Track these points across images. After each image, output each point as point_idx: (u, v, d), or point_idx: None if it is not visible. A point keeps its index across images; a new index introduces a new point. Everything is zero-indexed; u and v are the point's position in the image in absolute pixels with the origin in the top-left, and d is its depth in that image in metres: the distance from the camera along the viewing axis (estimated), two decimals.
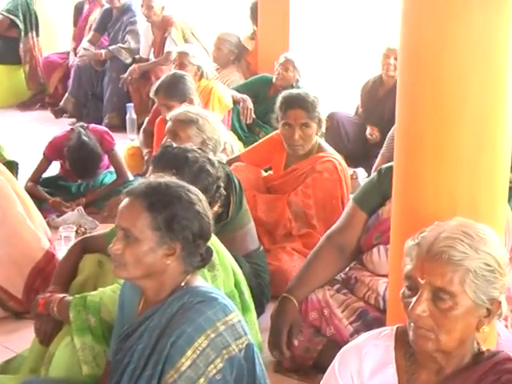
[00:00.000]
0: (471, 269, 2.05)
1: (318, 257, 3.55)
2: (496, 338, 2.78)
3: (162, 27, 7.89)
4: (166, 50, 7.79)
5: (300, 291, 3.50)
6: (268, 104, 6.24)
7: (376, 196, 3.48)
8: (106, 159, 5.68)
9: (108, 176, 5.74)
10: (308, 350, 3.48)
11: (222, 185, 3.29)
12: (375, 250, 3.47)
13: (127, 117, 7.35)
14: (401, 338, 2.23)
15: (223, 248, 3.18)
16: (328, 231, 3.63)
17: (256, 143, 5.14)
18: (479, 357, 2.17)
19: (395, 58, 6.19)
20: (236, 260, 3.77)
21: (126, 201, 2.48)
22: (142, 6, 7.88)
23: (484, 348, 2.20)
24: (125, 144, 6.47)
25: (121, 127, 7.53)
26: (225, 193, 3.33)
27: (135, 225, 2.44)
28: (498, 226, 2.49)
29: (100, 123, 7.36)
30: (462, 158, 2.38)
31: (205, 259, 2.55)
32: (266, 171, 4.99)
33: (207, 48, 7.83)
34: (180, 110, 4.14)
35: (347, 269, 3.64)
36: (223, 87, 6.42)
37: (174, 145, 3.35)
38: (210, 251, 2.57)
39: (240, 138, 6.51)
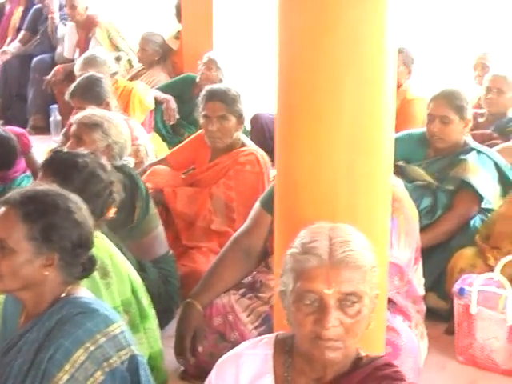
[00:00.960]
0: (368, 267, 2.04)
1: (223, 260, 3.49)
2: (384, 342, 2.74)
3: (86, 27, 7.76)
4: (90, 50, 7.67)
5: (204, 296, 3.44)
6: (192, 104, 6.13)
7: None
8: (23, 163, 5.55)
9: (25, 180, 5.58)
10: (213, 355, 3.39)
11: (116, 190, 3.21)
12: None
13: (51, 119, 7.22)
14: (280, 346, 2.18)
15: (119, 254, 3.10)
16: (234, 234, 3.58)
17: (181, 144, 5.05)
18: (359, 362, 2.13)
19: None
20: (141, 266, 3.73)
21: (1, 210, 2.39)
22: (65, 5, 7.76)
23: (364, 353, 2.16)
24: (48, 147, 6.33)
25: (46, 129, 7.40)
26: (119, 197, 3.24)
27: (10, 236, 2.35)
28: (377, 227, 2.47)
29: (25, 125, 7.23)
30: (340, 161, 2.33)
31: (87, 269, 2.47)
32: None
33: (133, 48, 7.73)
34: (84, 113, 4.04)
35: (254, 272, 3.59)
36: (144, 87, 6.32)
37: (65, 150, 3.27)
38: (93, 260, 2.48)
39: (164, 139, 6.44)
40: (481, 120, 5.39)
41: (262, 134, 6.29)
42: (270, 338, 2.22)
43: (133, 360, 2.41)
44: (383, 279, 2.55)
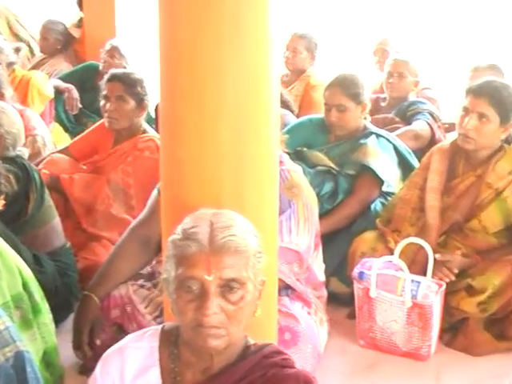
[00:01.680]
0: (252, 253, 2.00)
1: (120, 251, 3.40)
2: (276, 329, 2.71)
3: None
4: None
5: (102, 288, 3.35)
6: (95, 93, 6.00)
7: None
8: None
9: None
10: None
11: (3, 181, 3.10)
12: None
13: None
14: (166, 337, 2.12)
15: (7, 248, 2.99)
16: (132, 223, 3.50)
17: (83, 133, 4.93)
18: (247, 351, 2.09)
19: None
20: (37, 259, 3.62)
21: None
22: None
23: (253, 341, 2.12)
24: None
25: None
26: (6, 190, 3.13)
27: None
28: (265, 213, 2.43)
29: None
30: (224, 148, 2.28)
31: None
32: None
33: (35, 36, 7.55)
34: None
35: (154, 262, 3.52)
36: (43, 77, 6.15)
37: None
38: None
39: (67, 130, 6.30)
40: (383, 104, 5.40)
41: None
42: (155, 329, 2.17)
43: (19, 356, 2.33)
44: (273, 265, 2.52)
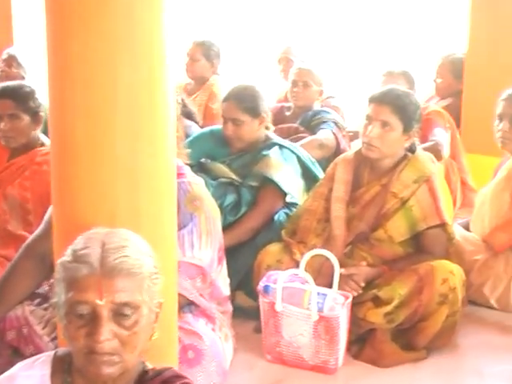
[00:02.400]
0: (146, 275, 1.89)
1: (15, 269, 3.24)
2: (176, 352, 2.61)
3: None
4: None
5: None
6: None
7: None
8: None
9: None
10: None
11: None
12: None
13: None
14: (59, 364, 2.00)
15: None
16: (27, 240, 3.35)
17: None
18: (144, 376, 1.98)
19: None
20: None
21: None
22: None
23: (151, 366, 2.01)
24: None
25: None
26: None
27: None
28: (164, 230, 2.33)
29: None
30: (119, 162, 2.16)
31: None
32: None
33: None
34: None
35: (51, 280, 3.37)
36: None
37: None
38: None
39: None
40: (288, 113, 5.37)
41: None
42: (47, 356, 2.04)
43: None
44: (173, 284, 2.42)
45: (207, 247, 3.20)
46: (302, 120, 5.21)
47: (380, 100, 3.72)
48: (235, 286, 3.82)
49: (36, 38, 7.30)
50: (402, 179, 3.74)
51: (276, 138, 4.40)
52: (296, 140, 4.91)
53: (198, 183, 3.32)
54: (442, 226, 3.73)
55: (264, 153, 4.26)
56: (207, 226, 3.22)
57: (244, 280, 3.96)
